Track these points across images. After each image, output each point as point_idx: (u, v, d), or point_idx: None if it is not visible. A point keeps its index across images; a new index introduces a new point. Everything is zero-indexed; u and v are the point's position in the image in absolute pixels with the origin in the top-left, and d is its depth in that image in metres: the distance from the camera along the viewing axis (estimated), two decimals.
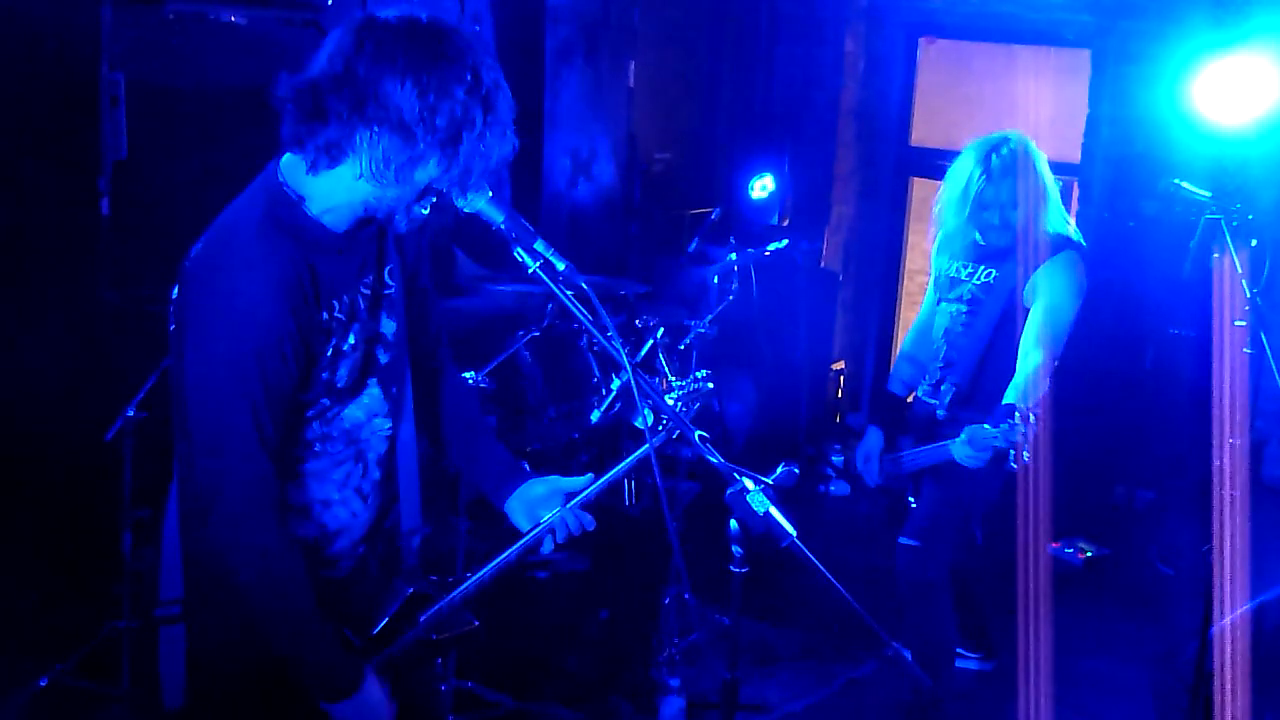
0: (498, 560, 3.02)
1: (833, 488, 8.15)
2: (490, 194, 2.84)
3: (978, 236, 5.01)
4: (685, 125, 8.76)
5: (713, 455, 2.82)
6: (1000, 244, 4.96)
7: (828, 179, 8.91)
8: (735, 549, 2.90)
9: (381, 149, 2.63)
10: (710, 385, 4.90)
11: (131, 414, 4.68)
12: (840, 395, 9.04)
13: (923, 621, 5.06)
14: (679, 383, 4.37)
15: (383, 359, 2.94)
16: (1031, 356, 4.74)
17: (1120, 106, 7.70)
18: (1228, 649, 4.74)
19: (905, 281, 9.11)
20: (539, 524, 3.04)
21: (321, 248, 2.76)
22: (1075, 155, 8.03)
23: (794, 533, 2.78)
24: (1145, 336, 7.66)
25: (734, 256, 5.80)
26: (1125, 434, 7.70)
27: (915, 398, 5.25)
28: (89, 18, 5.31)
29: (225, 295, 2.64)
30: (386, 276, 2.96)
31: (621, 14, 7.99)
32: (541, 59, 7.42)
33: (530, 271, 2.86)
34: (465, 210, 2.85)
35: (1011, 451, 4.49)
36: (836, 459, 8.28)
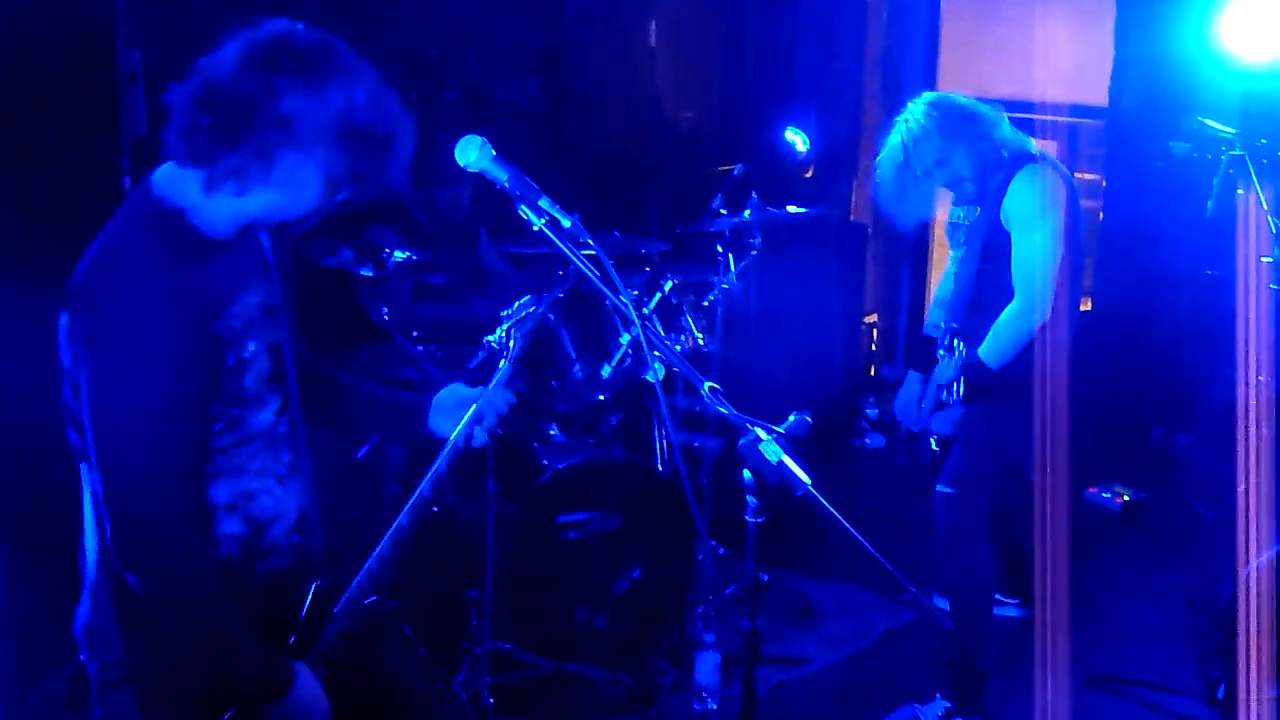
0: (419, 489, 3.05)
1: (868, 440, 8.15)
2: (494, 152, 2.84)
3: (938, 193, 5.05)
4: (709, 83, 8.72)
5: (723, 406, 2.82)
6: (972, 190, 4.97)
7: (855, 131, 8.86)
8: (749, 499, 2.89)
9: (293, 171, 2.65)
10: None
11: None
12: (874, 348, 9.01)
13: (960, 569, 5.04)
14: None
15: (283, 367, 2.95)
16: (1013, 301, 4.75)
17: (1147, 47, 7.62)
18: (1256, 591, 4.71)
19: (936, 230, 9.05)
20: (461, 424, 3.07)
21: (209, 259, 2.74)
22: (1103, 98, 7.96)
23: (809, 481, 2.76)
24: (1179, 278, 7.61)
25: (748, 214, 5.76)
26: (1162, 377, 7.66)
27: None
28: None
29: (118, 316, 2.62)
30: (273, 285, 2.96)
31: None
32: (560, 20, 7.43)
33: (536, 229, 2.85)
34: (470, 169, 2.86)
35: (949, 387, 4.78)
36: (871, 412, 8.27)
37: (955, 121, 4.86)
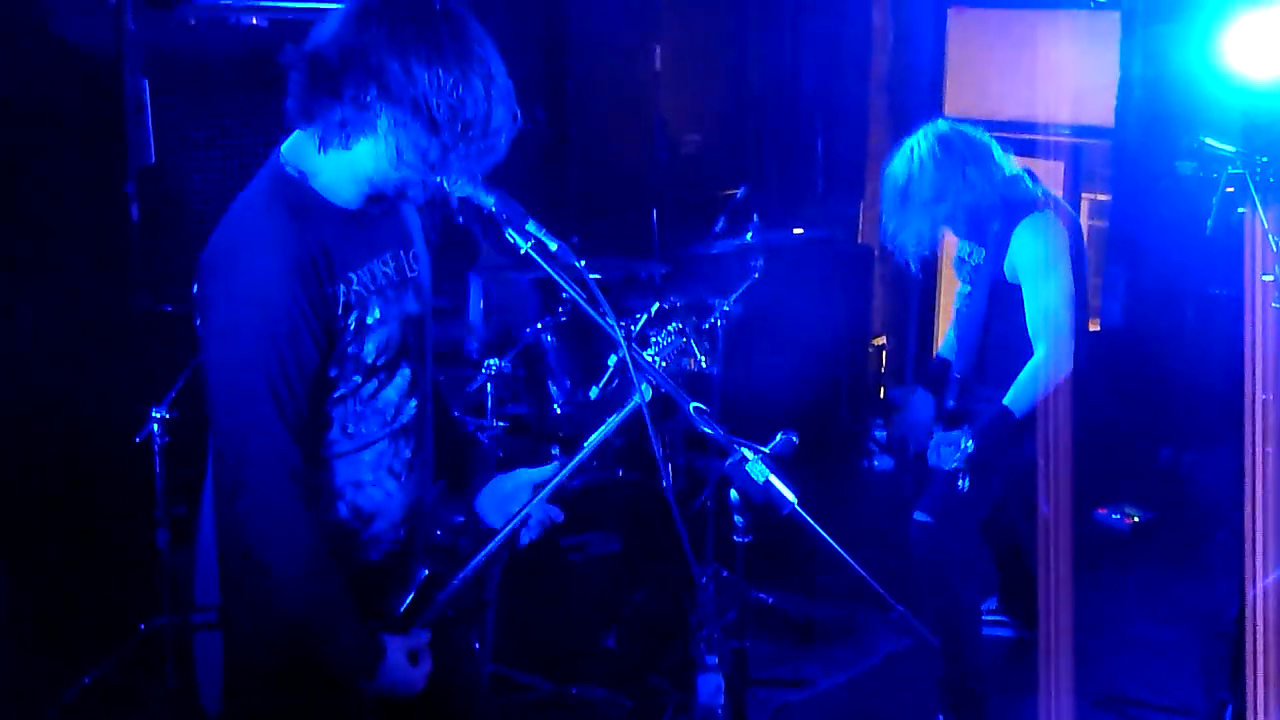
0: (481, 555, 3.03)
1: (876, 462, 8.14)
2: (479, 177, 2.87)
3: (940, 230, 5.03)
4: (715, 106, 8.75)
5: (709, 426, 2.83)
6: (966, 229, 4.96)
7: (861, 154, 8.88)
8: (737, 519, 2.90)
9: (405, 134, 2.66)
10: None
11: (162, 414, 4.75)
12: (883, 370, 9.01)
13: (938, 596, 5.03)
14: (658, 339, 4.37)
15: (412, 341, 2.96)
16: (1036, 349, 4.73)
17: (1152, 67, 7.61)
18: (1264, 611, 4.70)
19: (946, 251, 9.05)
20: (510, 519, 3.04)
21: (329, 222, 2.77)
22: (1109, 119, 7.96)
23: (795, 500, 2.77)
24: (1185, 297, 7.59)
25: (750, 236, 5.78)
26: (1169, 396, 7.63)
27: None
28: (111, 25, 5.39)
29: (236, 279, 2.67)
30: (411, 259, 2.99)
31: None
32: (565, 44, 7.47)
33: (522, 252, 2.86)
34: (456, 194, 2.87)
35: (958, 477, 4.67)
36: (880, 434, 8.27)
37: (959, 160, 4.81)
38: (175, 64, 5.64)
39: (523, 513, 3.04)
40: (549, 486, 3.05)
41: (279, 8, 5.68)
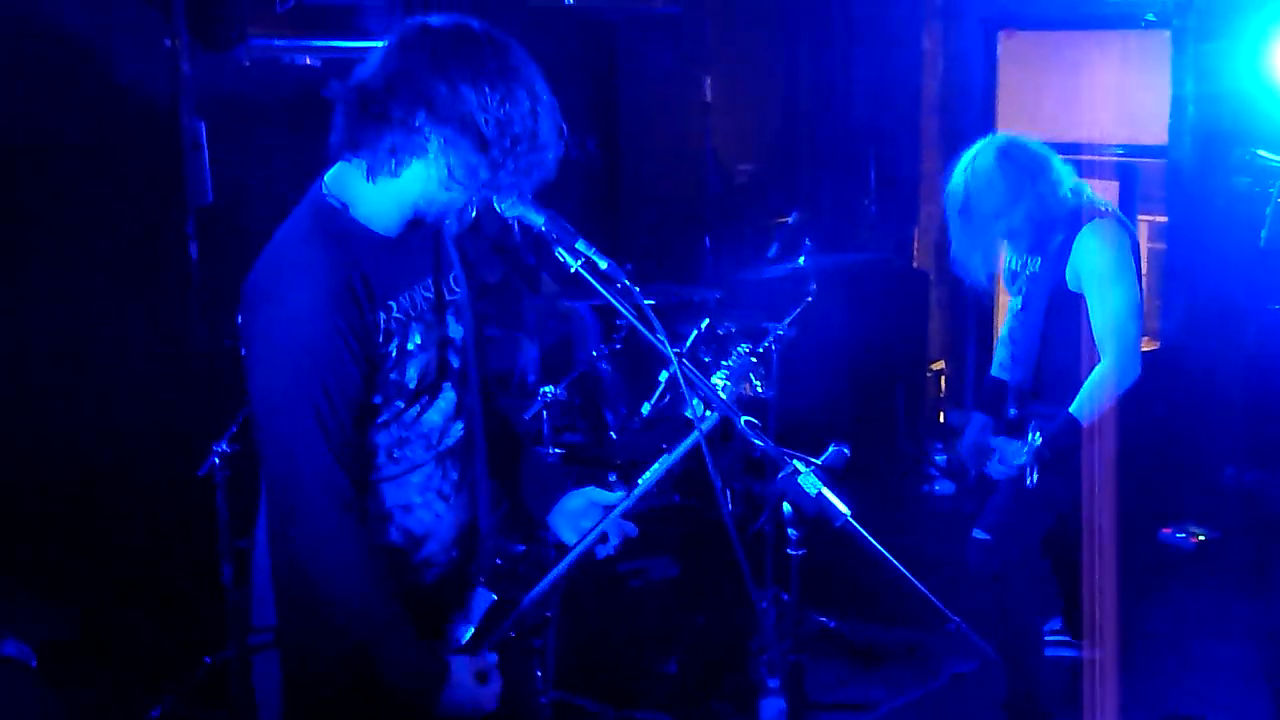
0: (557, 569, 3.06)
1: (937, 487, 8.10)
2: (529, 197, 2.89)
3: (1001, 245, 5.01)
4: (767, 135, 8.79)
5: (760, 440, 2.84)
6: (1029, 242, 4.93)
7: (914, 179, 8.87)
8: (791, 532, 2.91)
9: (455, 154, 2.69)
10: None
11: (224, 449, 4.80)
12: (942, 395, 8.98)
13: (1001, 613, 4.99)
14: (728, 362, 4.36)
15: (454, 363, 2.98)
16: (1104, 357, 4.69)
17: (1204, 83, 7.58)
18: None
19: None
20: (586, 534, 3.07)
21: (370, 250, 2.79)
22: (1162, 137, 7.93)
23: (848, 513, 2.78)
24: (1245, 314, 7.53)
25: (803, 260, 5.78)
26: (1232, 414, 7.56)
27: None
28: (168, 67, 5.48)
29: (279, 308, 2.69)
30: (451, 282, 3.01)
31: (694, 30, 8.05)
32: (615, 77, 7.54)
33: (572, 270, 2.89)
34: (507, 214, 2.90)
35: (1025, 470, 4.56)
36: (940, 458, 8.24)
37: (1024, 171, 4.78)
38: (231, 104, 5.73)
39: (598, 529, 3.06)
40: (624, 504, 3.07)
41: (332, 47, 5.75)
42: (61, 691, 4.97)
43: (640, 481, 3.06)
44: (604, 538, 3.10)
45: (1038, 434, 4.54)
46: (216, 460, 4.80)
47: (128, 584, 5.31)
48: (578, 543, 3.07)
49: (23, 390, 5.18)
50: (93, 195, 5.32)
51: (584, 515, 3.16)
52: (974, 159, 4.86)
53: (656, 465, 3.05)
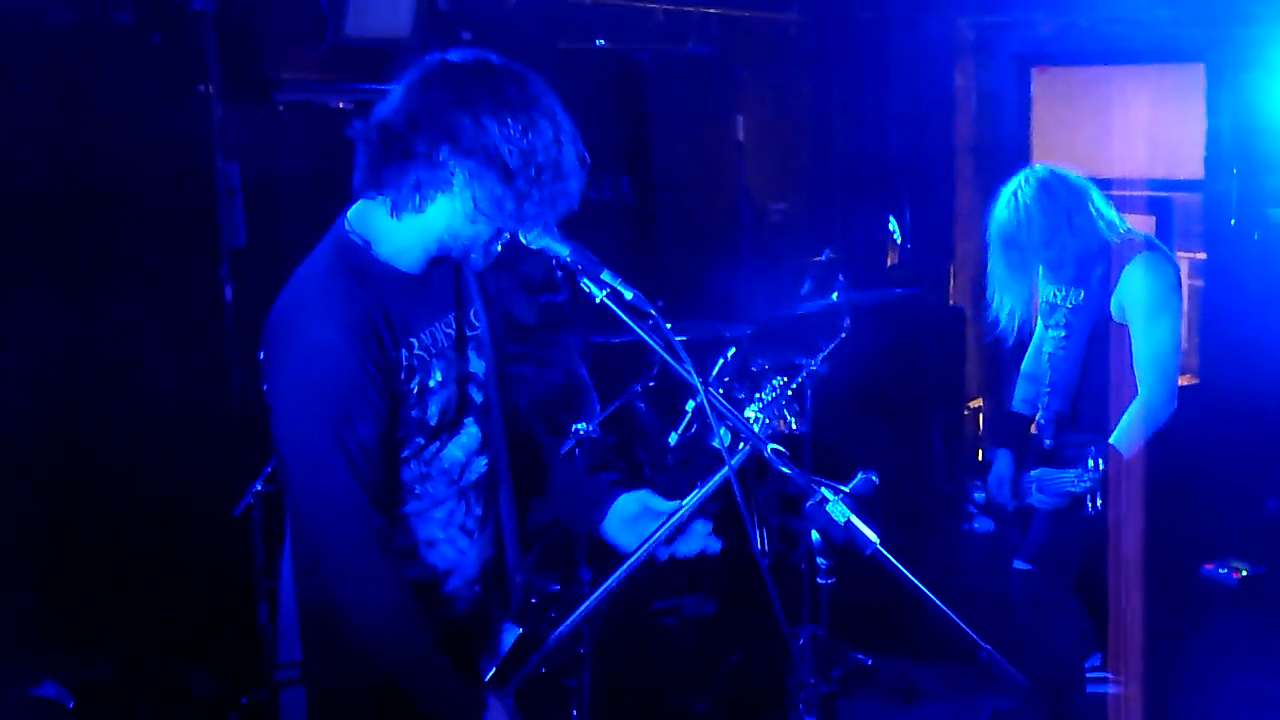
0: (600, 590, 3.03)
1: (976, 525, 8.05)
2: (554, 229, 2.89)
3: (1039, 273, 4.98)
4: (800, 174, 8.80)
5: (787, 468, 2.82)
6: (1071, 274, 4.90)
7: (949, 216, 8.86)
8: (820, 561, 2.88)
9: (480, 186, 2.69)
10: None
11: (259, 489, 4.82)
12: (980, 432, 8.93)
13: (1041, 646, 4.95)
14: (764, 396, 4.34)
15: (476, 398, 2.98)
16: (1143, 389, 4.68)
17: (1239, 116, 7.56)
18: None
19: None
20: (643, 544, 3.01)
21: (392, 287, 2.78)
22: (1198, 170, 7.90)
23: (877, 540, 2.75)
24: None
25: (835, 296, 5.77)
26: (1272, 448, 7.49)
27: (1034, 426, 5.19)
28: (201, 111, 5.53)
29: (300, 344, 2.69)
30: (472, 317, 3.00)
31: (725, 70, 8.08)
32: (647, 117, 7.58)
33: (598, 300, 2.88)
34: (532, 245, 2.89)
35: (1088, 498, 4.53)
36: (978, 495, 8.18)
37: (1066, 203, 4.78)
38: (265, 148, 5.77)
39: (659, 533, 3.00)
40: (668, 523, 3.01)
41: (363, 89, 5.79)
42: None
43: (690, 496, 3.01)
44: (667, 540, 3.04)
45: (1100, 459, 4.52)
46: (252, 500, 4.82)
47: (165, 625, 5.31)
48: (634, 551, 3.01)
49: (59, 433, 5.20)
50: (128, 239, 5.35)
51: (639, 519, 3.11)
52: (1017, 190, 4.85)
53: (706, 485, 3.00)
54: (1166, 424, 4.70)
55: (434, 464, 2.89)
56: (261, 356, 2.80)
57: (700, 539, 3.08)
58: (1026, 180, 4.85)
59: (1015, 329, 5.11)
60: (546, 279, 5.88)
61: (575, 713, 4.81)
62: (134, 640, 5.28)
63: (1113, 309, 4.78)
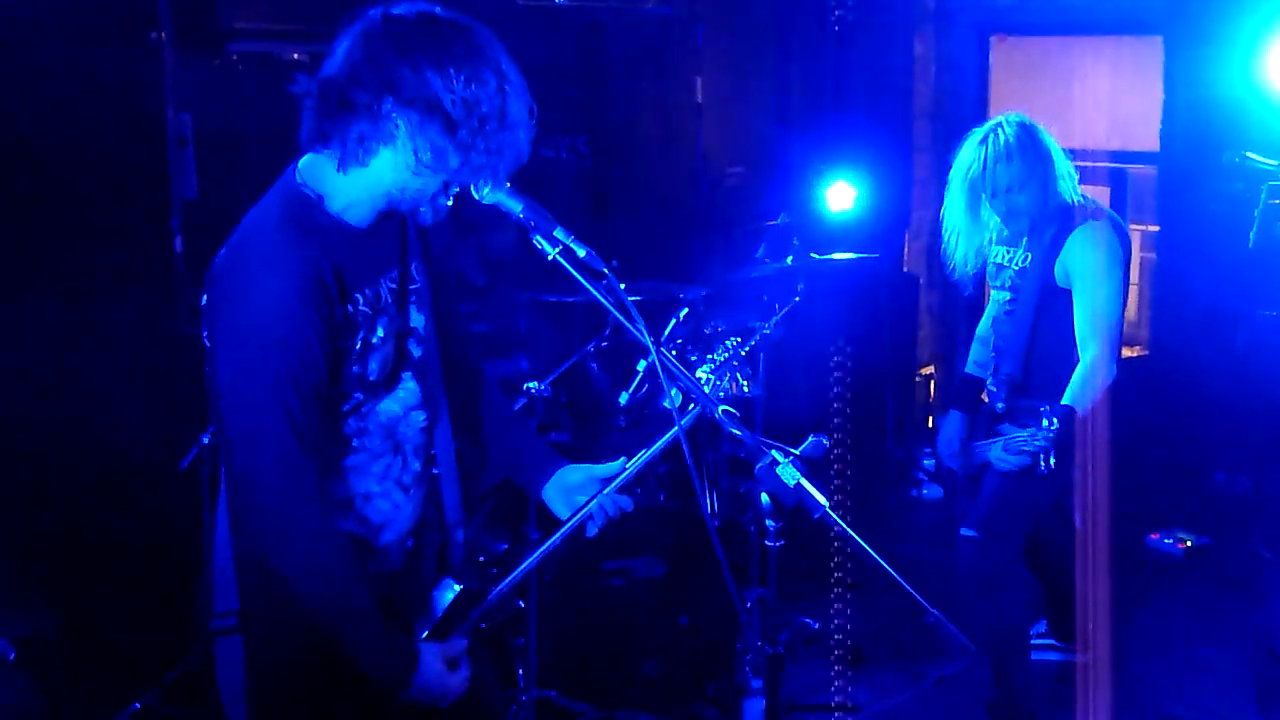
0: (542, 548, 3.04)
1: (925, 491, 8.08)
2: (507, 185, 2.87)
3: (996, 225, 4.97)
4: (757, 139, 8.77)
5: (738, 429, 2.81)
6: (1026, 228, 4.90)
7: (906, 183, 8.86)
8: (769, 523, 2.88)
9: (423, 137, 2.68)
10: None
11: (208, 440, 4.77)
12: (931, 400, 8.96)
13: (988, 613, 4.98)
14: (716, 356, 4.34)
15: (415, 352, 2.96)
16: (1085, 352, 4.69)
17: (1196, 89, 7.58)
18: None
19: None
20: (578, 510, 3.05)
21: (342, 243, 2.77)
22: (1153, 143, 7.93)
23: (826, 504, 2.75)
24: (1235, 319, 7.51)
25: (790, 260, 5.76)
26: (1221, 420, 7.56)
27: (985, 393, 5.20)
28: (153, 60, 5.47)
29: (247, 295, 2.66)
30: (413, 271, 2.98)
31: (685, 31, 8.04)
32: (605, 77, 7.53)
33: (550, 258, 2.86)
34: (484, 201, 2.87)
35: (1040, 456, 4.52)
36: (928, 463, 8.21)
37: (1040, 153, 4.77)
38: (217, 99, 5.71)
39: (588, 506, 3.05)
40: (617, 480, 3.05)
41: (317, 41, 5.72)
42: (40, 685, 4.95)
43: (639, 455, 3.03)
44: (591, 517, 3.07)
45: (1055, 419, 4.51)
46: (199, 453, 4.78)
47: (109, 578, 5.28)
48: (566, 520, 3.05)
49: (4, 383, 5.15)
50: (78, 189, 5.30)
51: (580, 490, 3.13)
52: (995, 130, 4.80)
53: (657, 444, 3.01)
54: (1112, 393, 4.72)
55: (370, 418, 2.89)
56: (204, 303, 2.76)
57: (613, 510, 3.10)
58: (1005, 123, 4.81)
59: (971, 278, 5.10)
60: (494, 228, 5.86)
61: (521, 671, 4.81)
62: (78, 593, 5.24)
63: (1057, 273, 4.80)
